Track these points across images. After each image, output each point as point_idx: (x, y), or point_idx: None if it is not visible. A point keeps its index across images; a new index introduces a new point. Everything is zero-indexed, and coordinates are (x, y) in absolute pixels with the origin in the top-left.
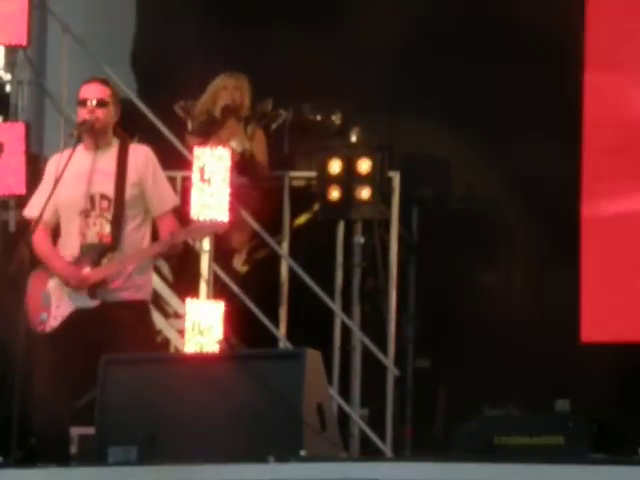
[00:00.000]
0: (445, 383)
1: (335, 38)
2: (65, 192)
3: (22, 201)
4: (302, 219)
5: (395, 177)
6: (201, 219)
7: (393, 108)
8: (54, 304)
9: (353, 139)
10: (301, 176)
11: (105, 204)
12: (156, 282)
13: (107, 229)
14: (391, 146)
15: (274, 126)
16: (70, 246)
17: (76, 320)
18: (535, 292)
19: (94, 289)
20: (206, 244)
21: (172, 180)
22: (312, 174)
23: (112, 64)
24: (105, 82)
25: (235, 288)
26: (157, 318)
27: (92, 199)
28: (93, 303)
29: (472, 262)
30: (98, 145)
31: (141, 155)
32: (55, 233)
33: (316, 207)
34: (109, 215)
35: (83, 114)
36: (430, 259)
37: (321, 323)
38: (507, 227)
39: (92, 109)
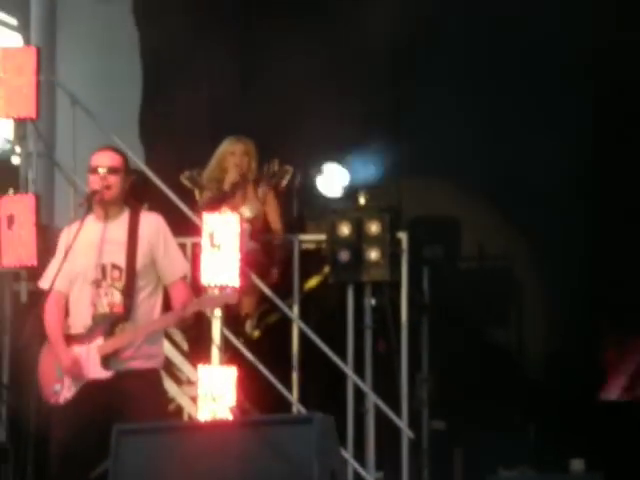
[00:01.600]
0: (460, 444)
1: (340, 101)
2: (78, 263)
3: (33, 272)
4: (313, 282)
5: (404, 238)
6: (212, 285)
7: (401, 169)
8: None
9: (361, 201)
10: (311, 239)
11: (116, 274)
12: (168, 349)
13: (118, 299)
14: (400, 207)
15: (284, 183)
16: (82, 316)
17: (89, 391)
18: (549, 351)
19: (107, 360)
20: (217, 310)
21: (182, 246)
22: (322, 237)
23: (120, 133)
24: (116, 150)
25: (247, 353)
26: (170, 385)
27: (103, 269)
28: (106, 374)
29: (484, 321)
30: (109, 215)
31: (152, 223)
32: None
33: (326, 270)
34: (120, 285)
35: (94, 182)
36: (442, 319)
37: (334, 386)
38: (518, 285)
39: (104, 177)
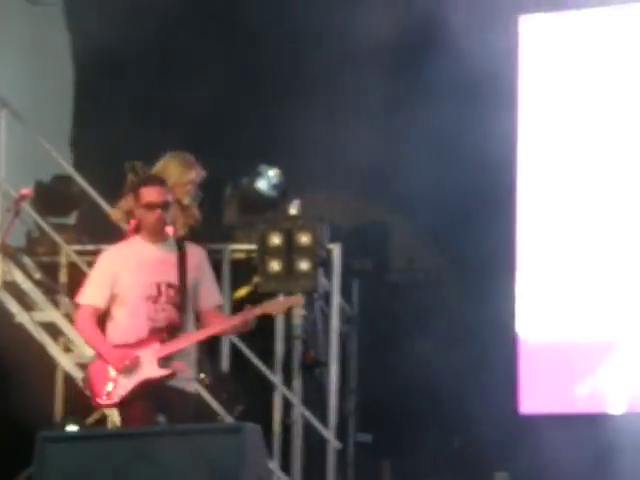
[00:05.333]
0: (387, 456)
1: (278, 114)
2: (130, 279)
3: None
4: (243, 291)
5: (335, 249)
6: None
7: (333, 181)
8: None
9: (293, 212)
10: (241, 249)
11: (172, 292)
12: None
13: (175, 314)
14: (331, 219)
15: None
16: (137, 329)
17: (144, 388)
18: (474, 364)
19: (162, 362)
20: None
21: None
22: (252, 247)
23: (51, 137)
24: (163, 182)
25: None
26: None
27: (158, 287)
28: (163, 372)
29: (411, 333)
30: (156, 239)
31: (198, 253)
32: (103, 318)
33: (256, 280)
34: (176, 302)
35: (151, 218)
36: (370, 331)
37: (262, 396)
38: (444, 299)
39: (159, 214)
